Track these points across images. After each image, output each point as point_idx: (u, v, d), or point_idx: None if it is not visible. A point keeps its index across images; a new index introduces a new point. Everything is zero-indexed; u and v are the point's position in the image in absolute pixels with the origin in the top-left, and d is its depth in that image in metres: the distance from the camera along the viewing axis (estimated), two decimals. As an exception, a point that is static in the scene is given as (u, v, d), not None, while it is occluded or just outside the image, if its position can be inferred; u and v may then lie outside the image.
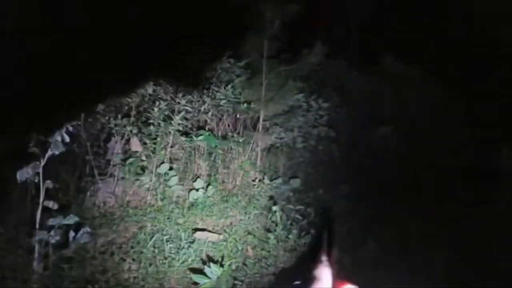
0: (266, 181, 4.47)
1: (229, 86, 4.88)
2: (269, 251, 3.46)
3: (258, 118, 4.85)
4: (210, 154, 4.56)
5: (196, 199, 4.09)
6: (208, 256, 3.29)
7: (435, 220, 4.09)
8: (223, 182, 4.49)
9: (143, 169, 4.09)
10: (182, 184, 4.19)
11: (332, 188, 4.57)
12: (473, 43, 7.59)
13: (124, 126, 4.07)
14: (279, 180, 4.48)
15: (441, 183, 4.93)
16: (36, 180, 3.11)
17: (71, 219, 3.08)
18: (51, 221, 3.02)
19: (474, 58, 7.63)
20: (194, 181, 4.25)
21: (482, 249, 3.63)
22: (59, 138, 3.12)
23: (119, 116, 4.10)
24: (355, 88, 6.74)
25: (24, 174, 2.96)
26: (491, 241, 3.73)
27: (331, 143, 5.26)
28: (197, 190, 4.16)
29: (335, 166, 5.03)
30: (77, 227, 3.27)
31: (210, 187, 4.26)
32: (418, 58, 7.12)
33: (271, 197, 4.20)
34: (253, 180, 4.49)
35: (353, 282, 1.37)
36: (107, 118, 4.06)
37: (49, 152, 3.05)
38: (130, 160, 4.01)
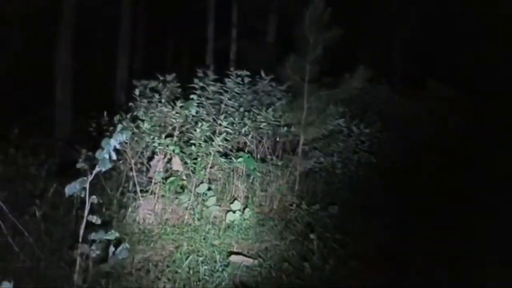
0: (304, 206, 4.40)
1: (270, 109, 4.93)
2: (304, 280, 3.35)
3: (298, 141, 4.82)
4: (248, 176, 4.58)
5: (233, 221, 4.09)
6: (241, 282, 3.24)
7: (484, 255, 3.81)
8: (260, 205, 4.47)
9: (182, 188, 4.17)
10: (220, 205, 4.22)
11: (372, 217, 4.40)
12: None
13: (167, 146, 4.19)
14: (317, 206, 4.39)
15: (490, 212, 4.63)
16: (83, 195, 3.25)
17: (112, 235, 3.16)
18: (93, 236, 3.12)
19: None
20: (232, 202, 4.27)
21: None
22: (106, 156, 3.25)
23: (163, 136, 4.23)
24: (398, 113, 6.57)
25: (72, 189, 3.09)
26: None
27: (372, 170, 5.11)
28: (234, 212, 4.16)
29: (376, 194, 4.87)
30: (117, 242, 3.37)
31: (247, 209, 4.25)
32: (463, 84, 6.87)
33: (308, 223, 4.12)
34: (290, 205, 4.43)
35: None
36: (151, 137, 4.20)
37: (97, 169, 3.17)
38: (171, 178, 4.11)
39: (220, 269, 3.34)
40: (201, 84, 4.77)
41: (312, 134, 4.80)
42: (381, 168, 5.38)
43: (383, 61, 8.16)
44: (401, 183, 5.33)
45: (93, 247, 3.15)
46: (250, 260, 3.53)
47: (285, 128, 4.83)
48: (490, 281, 3.35)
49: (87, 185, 3.15)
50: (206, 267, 3.32)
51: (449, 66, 8.72)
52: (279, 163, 4.62)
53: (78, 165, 3.60)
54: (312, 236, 3.75)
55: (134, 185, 4.06)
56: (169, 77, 4.75)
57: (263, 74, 5.13)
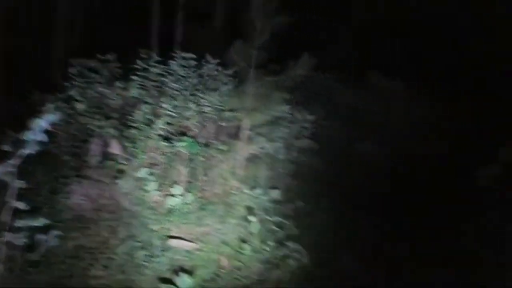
0: (246, 190, 4.43)
1: (215, 93, 4.88)
2: (243, 262, 3.41)
3: (242, 127, 4.82)
4: (191, 160, 4.52)
5: (174, 206, 4.03)
6: (180, 266, 3.23)
7: (418, 231, 4.11)
8: (203, 189, 4.44)
9: (121, 172, 4.03)
10: (160, 190, 4.14)
11: (312, 201, 4.56)
12: (457, 59, 7.77)
13: (105, 128, 4.01)
14: (259, 191, 4.45)
15: (422, 196, 5.00)
16: (8, 180, 3.02)
17: (40, 221, 2.98)
18: (19, 223, 2.93)
19: (458, 74, 7.81)
20: (173, 187, 4.20)
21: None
22: (35, 137, 3.04)
23: (100, 118, 4.04)
24: (341, 101, 6.81)
25: (-7, 172, 2.86)
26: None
27: (314, 156, 5.27)
28: (175, 196, 4.10)
29: (316, 179, 5.03)
30: (47, 229, 3.19)
31: (188, 194, 4.21)
32: (404, 75, 7.25)
33: (249, 207, 4.17)
34: (233, 189, 4.45)
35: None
36: (87, 119, 4.00)
37: (23, 152, 2.96)
38: (108, 163, 3.95)
39: (159, 254, 3.30)
40: (143, 65, 4.60)
41: (256, 119, 4.82)
42: (323, 154, 5.55)
43: (330, 50, 8.39)
44: (342, 169, 5.55)
45: (20, 235, 2.96)
46: (190, 244, 3.52)
47: (230, 113, 4.82)
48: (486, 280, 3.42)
49: (12, 169, 2.94)
50: (143, 252, 3.26)
51: (397, 59, 9.05)
52: (223, 148, 4.61)
53: (4, 148, 3.33)
54: (252, 219, 3.81)
55: (68, 169, 3.86)
56: (109, 57, 4.53)
57: (209, 58, 5.06)
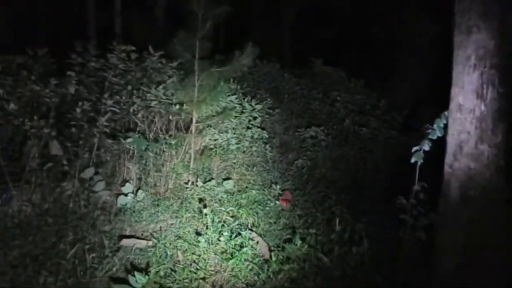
0: (200, 183, 4.41)
1: (161, 87, 4.76)
2: (199, 255, 3.41)
3: (191, 119, 4.77)
4: (141, 157, 4.41)
5: (125, 205, 3.92)
6: (132, 264, 3.15)
7: (368, 214, 4.31)
8: (155, 185, 4.36)
9: (64, 174, 3.83)
10: (110, 189, 4.00)
11: (266, 189, 4.64)
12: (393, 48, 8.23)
13: (42, 128, 3.77)
14: (213, 182, 4.45)
15: (370, 179, 5.27)
16: None
17: (-24, 233, 2.78)
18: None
19: (396, 63, 8.28)
20: (123, 185, 4.07)
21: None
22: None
23: (36, 118, 3.79)
24: (287, 89, 6.94)
25: None
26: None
27: (265, 144, 5.35)
28: (125, 195, 3.99)
29: (269, 167, 5.12)
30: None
31: (140, 191, 4.11)
32: (342, 62, 7.55)
33: (203, 200, 4.15)
34: (186, 183, 4.41)
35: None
36: (21, 119, 3.73)
37: None
38: (49, 165, 3.74)
39: (110, 254, 3.20)
40: (80, 60, 4.37)
41: (204, 111, 4.78)
42: (272, 143, 5.65)
43: (273, 39, 8.50)
44: (293, 156, 5.68)
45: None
46: (144, 242, 3.45)
47: (178, 106, 4.73)
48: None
49: None
50: (94, 254, 3.15)
51: (335, 48, 9.40)
52: (173, 142, 4.53)
53: None
54: (205, 211, 3.80)
55: (4, 174, 3.60)
56: (40, 52, 4.24)
57: (151, 50, 4.91)
